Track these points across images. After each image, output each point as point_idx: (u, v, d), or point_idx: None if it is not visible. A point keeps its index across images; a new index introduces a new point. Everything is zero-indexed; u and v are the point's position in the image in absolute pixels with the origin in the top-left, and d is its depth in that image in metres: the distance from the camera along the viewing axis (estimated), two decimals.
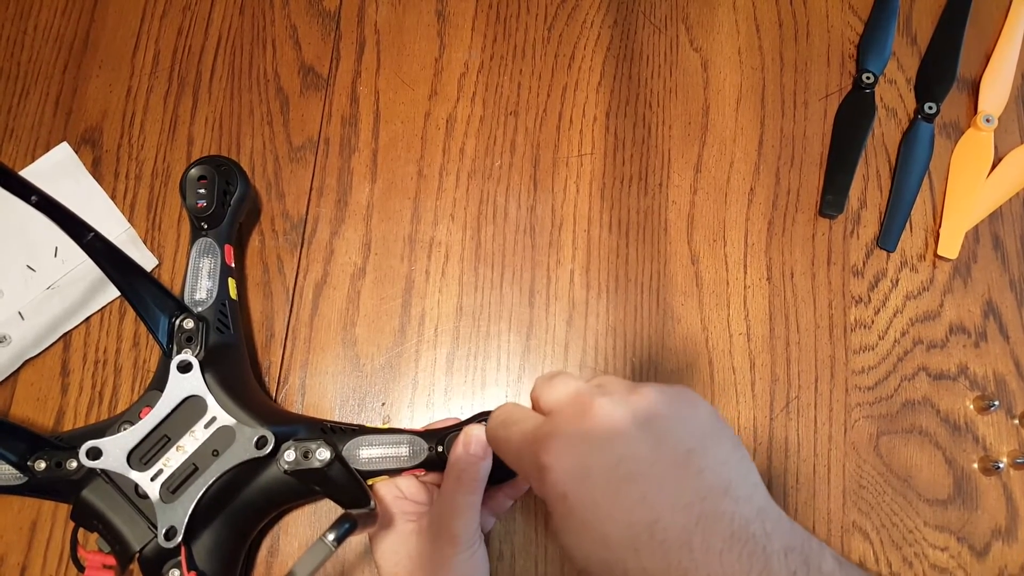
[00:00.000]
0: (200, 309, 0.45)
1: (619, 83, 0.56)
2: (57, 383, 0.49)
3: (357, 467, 0.42)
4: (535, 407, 0.33)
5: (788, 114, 0.56)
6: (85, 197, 0.53)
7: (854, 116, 0.56)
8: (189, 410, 0.42)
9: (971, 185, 0.54)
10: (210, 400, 0.42)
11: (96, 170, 0.54)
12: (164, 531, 0.39)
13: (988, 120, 0.55)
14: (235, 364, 0.46)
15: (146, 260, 0.52)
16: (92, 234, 0.40)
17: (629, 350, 0.51)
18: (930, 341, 0.52)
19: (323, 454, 0.40)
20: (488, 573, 0.41)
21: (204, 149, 0.54)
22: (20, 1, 0.58)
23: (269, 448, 0.40)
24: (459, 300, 0.51)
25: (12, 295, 0.50)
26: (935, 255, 0.53)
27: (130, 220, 0.53)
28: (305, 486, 0.41)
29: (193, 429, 0.41)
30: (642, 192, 0.54)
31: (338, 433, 0.43)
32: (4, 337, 0.50)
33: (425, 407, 0.49)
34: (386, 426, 0.47)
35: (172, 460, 0.40)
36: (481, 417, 0.43)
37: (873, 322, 0.52)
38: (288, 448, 0.41)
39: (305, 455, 0.41)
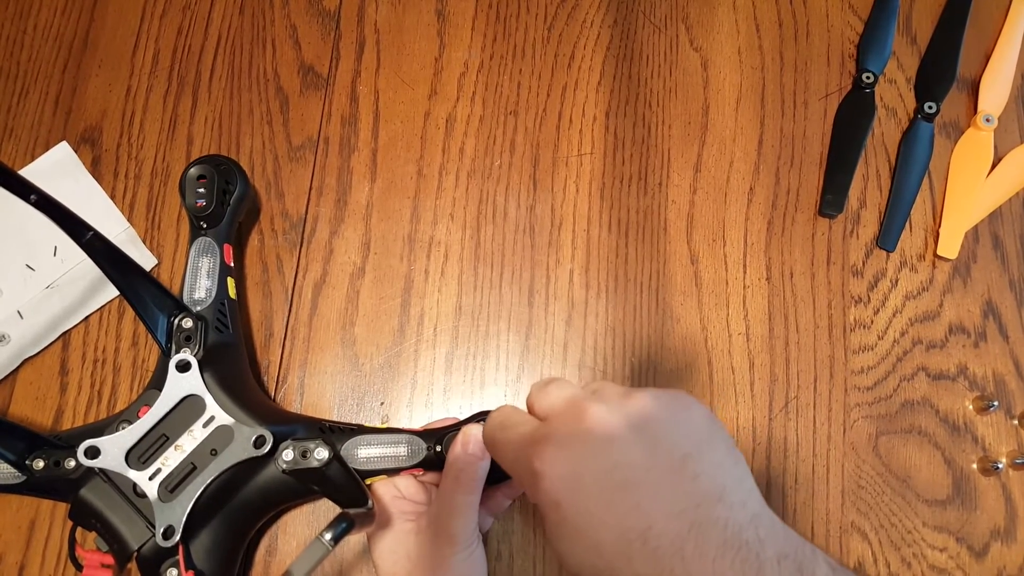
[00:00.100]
0: (199, 308, 0.45)
1: (619, 83, 0.56)
2: (56, 382, 0.49)
3: (355, 467, 0.42)
4: (531, 413, 0.33)
5: (788, 114, 0.56)
6: (84, 196, 0.53)
7: (854, 116, 0.56)
8: (188, 409, 0.42)
9: (971, 185, 0.54)
10: (209, 399, 0.42)
11: (95, 169, 0.54)
12: (162, 530, 0.39)
13: (988, 120, 0.55)
14: (234, 363, 0.46)
15: (145, 259, 0.52)
16: (91, 233, 0.40)
17: (628, 350, 0.51)
18: (929, 341, 0.52)
19: (321, 453, 0.40)
20: (486, 573, 0.41)
21: (203, 148, 0.54)
22: (20, 1, 0.58)
23: (267, 447, 0.40)
24: (458, 300, 0.51)
25: (11, 294, 0.51)
26: (935, 255, 0.53)
27: (129, 219, 0.53)
28: (303, 485, 0.41)
29: (191, 428, 0.41)
30: (641, 192, 0.54)
31: (336, 432, 0.43)
32: (3, 336, 0.50)
33: (424, 407, 0.49)
34: (384, 426, 0.47)
35: (170, 459, 0.40)
36: (480, 417, 0.43)
37: (872, 322, 0.52)
38: (286, 447, 0.41)
39: (303, 454, 0.41)
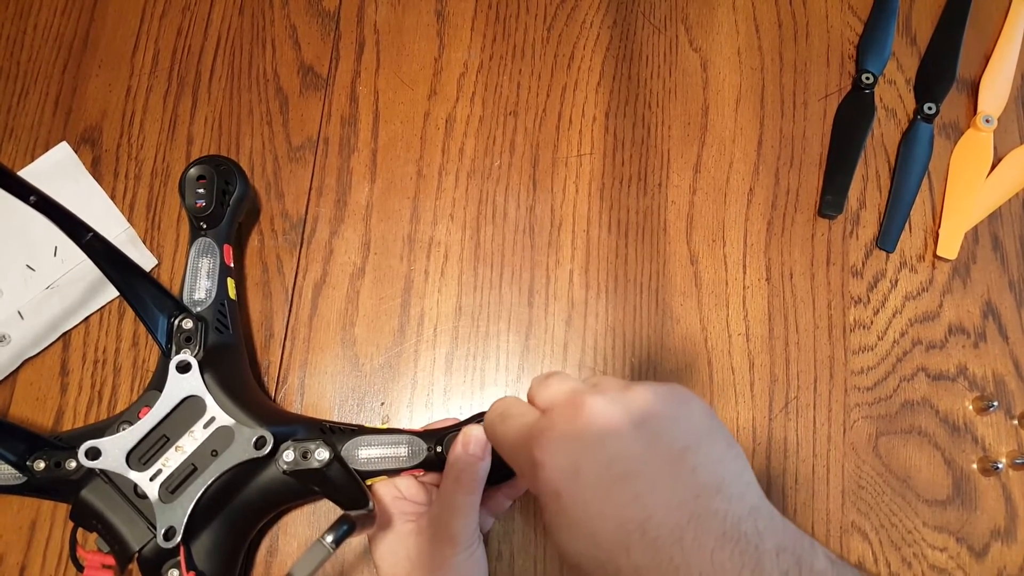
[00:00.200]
0: (199, 309, 0.45)
1: (618, 83, 0.56)
2: (56, 383, 0.49)
3: (356, 467, 0.42)
4: (531, 405, 0.33)
5: (787, 114, 0.56)
6: (84, 197, 0.53)
7: (853, 116, 0.56)
8: (188, 410, 0.42)
9: (970, 186, 0.54)
10: (209, 400, 0.42)
11: (95, 170, 0.54)
12: (163, 531, 0.39)
13: (987, 120, 0.55)
14: (234, 364, 0.46)
15: (145, 260, 0.52)
16: (91, 234, 0.40)
17: (628, 350, 0.51)
18: (929, 342, 0.52)
19: (322, 454, 0.40)
20: (487, 573, 0.41)
21: (203, 149, 0.54)
22: (20, 1, 0.58)
23: (268, 448, 0.40)
24: (458, 300, 0.51)
25: (12, 294, 0.51)
26: (934, 256, 0.53)
27: (129, 220, 0.53)
28: (304, 486, 0.41)
29: (192, 429, 0.41)
30: (641, 192, 0.54)
31: (337, 433, 0.43)
32: (3, 336, 0.50)
33: (424, 407, 0.49)
34: (385, 426, 0.47)
35: (171, 460, 0.40)
36: (480, 417, 0.43)
37: (872, 322, 0.52)
38: (287, 448, 0.41)
39: (304, 455, 0.41)
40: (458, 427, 0.42)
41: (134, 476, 0.40)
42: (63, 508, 0.47)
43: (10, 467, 0.41)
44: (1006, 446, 0.50)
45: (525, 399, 0.34)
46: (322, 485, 0.41)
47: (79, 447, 0.40)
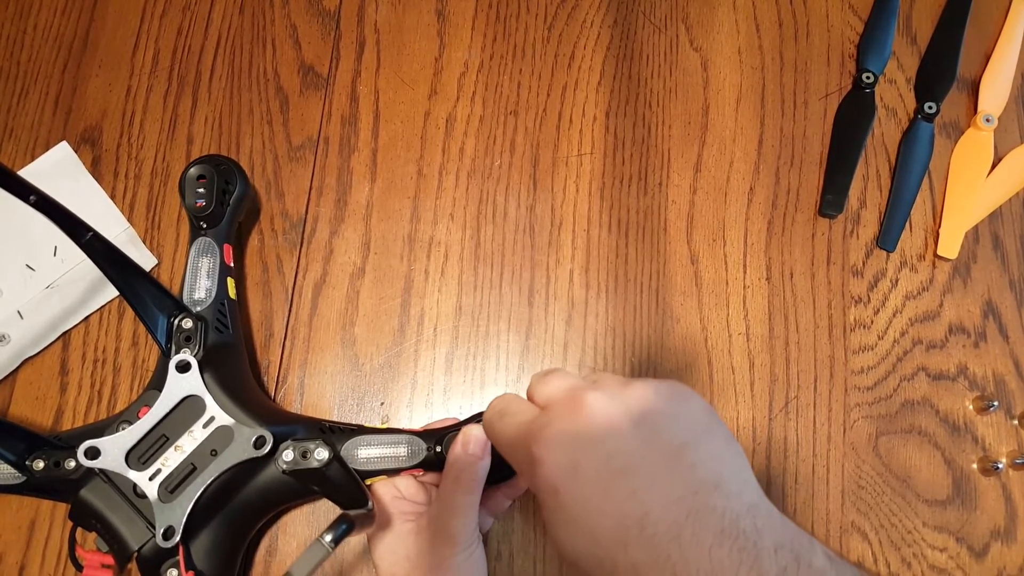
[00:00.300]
0: (199, 309, 0.45)
1: (619, 83, 0.56)
2: (56, 382, 0.49)
3: (355, 467, 0.42)
4: (531, 402, 0.33)
5: (788, 114, 0.56)
6: (84, 196, 0.53)
7: (854, 116, 0.56)
8: (188, 410, 0.42)
9: (971, 185, 0.54)
10: (208, 400, 0.42)
11: (95, 169, 0.54)
12: (162, 531, 0.39)
13: (988, 120, 0.55)
14: (234, 364, 0.46)
15: (145, 260, 0.52)
16: (91, 234, 0.40)
17: (628, 350, 0.51)
18: (929, 341, 0.52)
19: (321, 454, 0.40)
20: (486, 573, 0.41)
21: (203, 148, 0.54)
22: (20, 1, 0.58)
23: (267, 448, 0.40)
24: (458, 300, 0.51)
25: (11, 294, 0.51)
26: (935, 255, 0.53)
27: (129, 219, 0.53)
28: (303, 486, 0.41)
29: (191, 429, 0.41)
30: (641, 192, 0.54)
31: (336, 433, 0.43)
32: (3, 336, 0.50)
33: (424, 407, 0.49)
34: (385, 426, 0.47)
35: (170, 460, 0.40)
36: (480, 417, 0.43)
37: (872, 322, 0.52)
38: (286, 448, 0.41)
39: (303, 455, 0.41)
40: (458, 427, 0.42)
41: (133, 475, 0.40)
42: (62, 507, 0.47)
43: (9, 466, 0.41)
44: (1006, 446, 0.50)
45: (525, 396, 0.34)
46: (321, 485, 0.41)
47: (78, 446, 0.40)
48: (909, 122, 0.56)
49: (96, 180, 0.53)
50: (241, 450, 0.40)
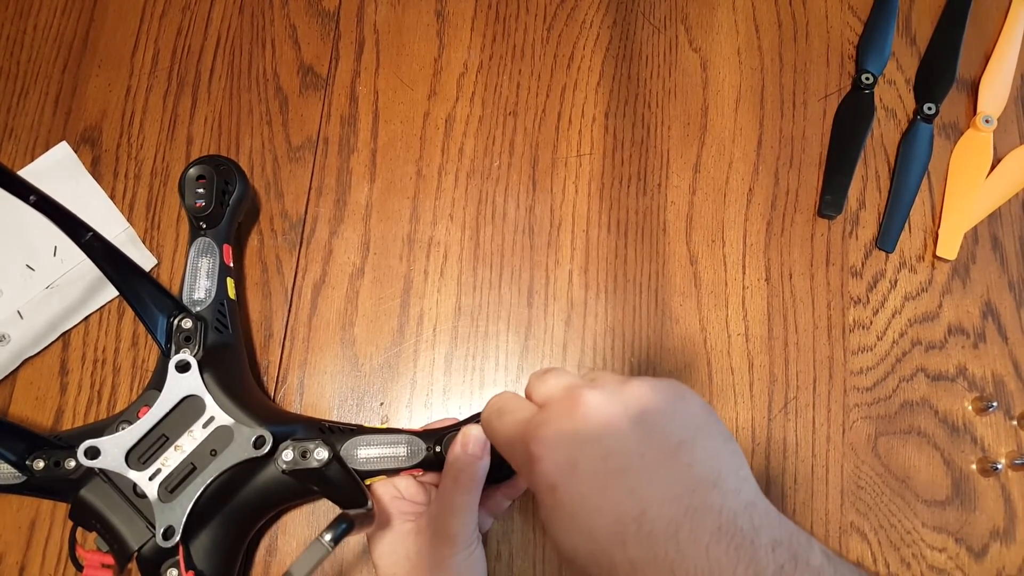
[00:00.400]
0: (199, 309, 0.45)
1: (618, 83, 0.56)
2: (56, 382, 0.49)
3: (355, 467, 0.42)
4: (529, 400, 0.33)
5: (787, 114, 0.56)
6: (84, 197, 0.53)
7: (853, 116, 0.56)
8: (187, 410, 0.42)
9: (970, 186, 0.54)
10: (208, 400, 0.42)
11: (95, 169, 0.54)
12: (162, 530, 0.39)
13: (987, 121, 0.55)
14: (233, 364, 0.46)
15: (145, 260, 0.52)
16: (91, 234, 0.40)
17: (627, 350, 0.51)
18: (929, 342, 0.52)
19: (321, 454, 0.40)
20: (486, 573, 0.41)
21: (203, 149, 0.54)
22: (20, 1, 0.58)
23: (267, 448, 0.40)
24: (458, 300, 0.51)
25: (11, 294, 0.51)
26: (934, 256, 0.53)
27: (129, 219, 0.53)
28: (303, 486, 0.41)
29: (191, 429, 0.41)
30: (641, 192, 0.54)
31: (336, 433, 0.43)
32: (3, 336, 0.50)
33: (423, 407, 0.50)
34: (384, 426, 0.47)
35: (170, 460, 0.41)
36: (479, 417, 0.43)
37: (872, 323, 0.52)
38: (286, 448, 0.41)
39: (303, 455, 0.41)
40: (457, 427, 0.42)
41: (133, 475, 0.40)
42: (62, 507, 0.47)
43: (9, 466, 0.41)
44: (1005, 447, 0.50)
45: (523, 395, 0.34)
46: (321, 484, 0.41)
47: (78, 446, 0.40)
48: (908, 123, 0.56)
49: (96, 180, 0.53)
50: (241, 450, 0.41)
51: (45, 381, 0.50)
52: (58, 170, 0.53)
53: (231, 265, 0.48)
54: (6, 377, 0.49)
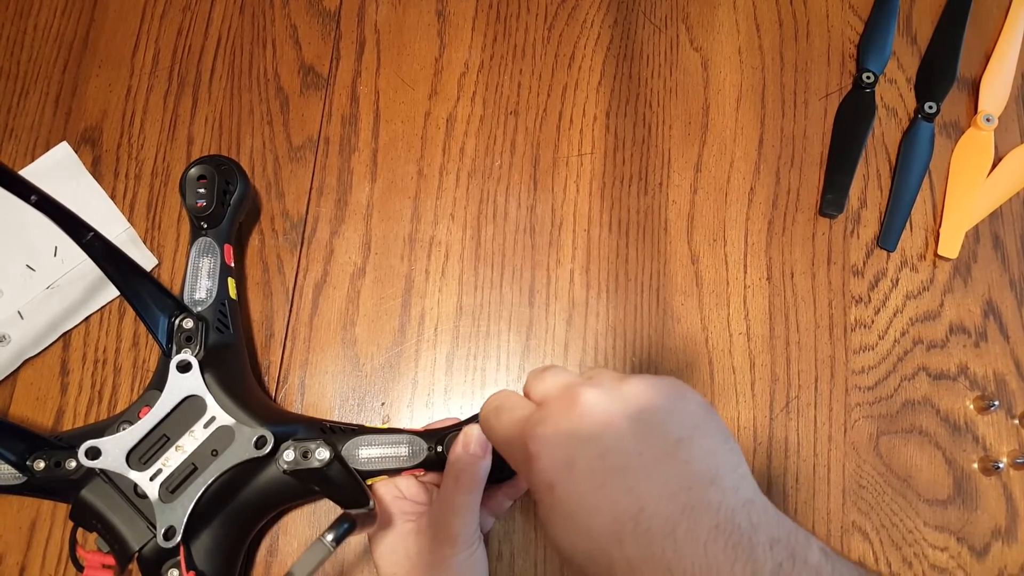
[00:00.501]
0: (199, 309, 0.45)
1: (619, 83, 0.56)
2: (56, 383, 0.49)
3: (356, 467, 0.42)
4: (527, 398, 0.33)
5: (788, 114, 0.56)
6: (85, 197, 0.53)
7: (854, 116, 0.56)
8: (188, 410, 0.42)
9: (971, 185, 0.54)
10: (209, 400, 0.42)
11: (96, 169, 0.54)
12: (163, 531, 0.39)
13: (988, 120, 0.55)
14: (234, 364, 0.46)
15: (146, 260, 0.52)
16: (91, 234, 0.40)
17: (629, 350, 0.51)
18: (930, 341, 0.52)
19: (322, 454, 0.40)
20: (487, 573, 0.41)
21: (204, 148, 0.54)
22: (20, 1, 0.58)
23: (268, 448, 0.40)
24: (459, 300, 0.51)
25: (12, 294, 0.50)
26: (935, 255, 0.53)
27: (130, 220, 0.53)
28: (304, 486, 0.41)
29: (192, 429, 0.41)
30: (642, 192, 0.54)
31: (337, 433, 0.43)
32: (4, 336, 0.50)
33: (425, 407, 0.49)
34: (385, 426, 0.47)
35: (171, 460, 0.40)
36: None
37: (873, 322, 0.52)
38: (287, 448, 0.41)
39: (304, 455, 0.41)
40: (458, 427, 0.42)
41: (134, 476, 0.40)
42: (63, 508, 0.47)
43: (10, 467, 0.41)
44: (1007, 445, 0.50)
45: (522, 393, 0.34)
46: (322, 485, 0.41)
47: (79, 447, 0.40)
48: (909, 122, 0.56)
49: (96, 180, 0.53)
50: (242, 450, 0.40)
51: (46, 381, 0.49)
52: (58, 170, 0.53)
53: (232, 265, 0.48)
54: (7, 377, 0.49)
